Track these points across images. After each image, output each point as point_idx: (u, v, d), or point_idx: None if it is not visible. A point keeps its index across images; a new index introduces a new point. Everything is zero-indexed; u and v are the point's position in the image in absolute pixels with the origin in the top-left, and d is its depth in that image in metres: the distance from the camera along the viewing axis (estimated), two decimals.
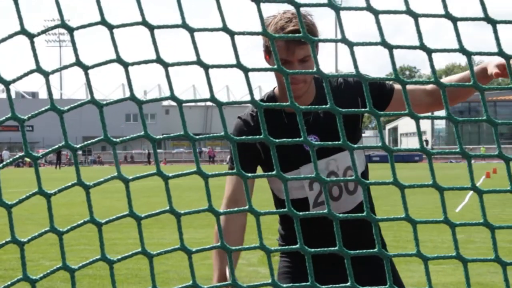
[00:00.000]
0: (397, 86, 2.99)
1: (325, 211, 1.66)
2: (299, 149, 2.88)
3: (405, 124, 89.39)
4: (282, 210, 1.84)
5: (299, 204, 2.90)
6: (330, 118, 2.91)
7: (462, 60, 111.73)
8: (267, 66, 2.23)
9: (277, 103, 2.91)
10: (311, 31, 2.77)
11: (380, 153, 70.09)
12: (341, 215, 1.71)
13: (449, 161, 64.79)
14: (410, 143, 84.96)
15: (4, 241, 1.72)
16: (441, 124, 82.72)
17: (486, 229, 1.81)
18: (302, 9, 1.97)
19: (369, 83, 2.62)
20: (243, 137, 1.82)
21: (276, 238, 3.20)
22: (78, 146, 1.71)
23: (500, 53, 1.71)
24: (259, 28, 1.71)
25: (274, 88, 3.04)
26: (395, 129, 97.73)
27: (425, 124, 77.95)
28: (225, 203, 2.97)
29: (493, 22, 1.69)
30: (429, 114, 2.99)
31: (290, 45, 2.79)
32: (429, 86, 3.00)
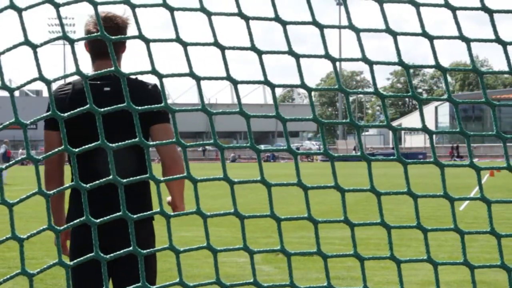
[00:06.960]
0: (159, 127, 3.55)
1: None
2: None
3: (409, 122, 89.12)
4: None
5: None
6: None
7: (466, 58, 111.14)
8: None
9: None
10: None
11: (382, 151, 70.46)
12: None
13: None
14: (414, 141, 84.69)
15: (4, 237, 1.83)
16: (445, 122, 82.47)
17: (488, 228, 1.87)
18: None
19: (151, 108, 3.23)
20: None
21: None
22: (76, 150, 1.80)
23: (474, 70, 1.80)
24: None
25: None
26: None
27: (429, 122, 77.69)
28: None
29: (467, 41, 1.78)
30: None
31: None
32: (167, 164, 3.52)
